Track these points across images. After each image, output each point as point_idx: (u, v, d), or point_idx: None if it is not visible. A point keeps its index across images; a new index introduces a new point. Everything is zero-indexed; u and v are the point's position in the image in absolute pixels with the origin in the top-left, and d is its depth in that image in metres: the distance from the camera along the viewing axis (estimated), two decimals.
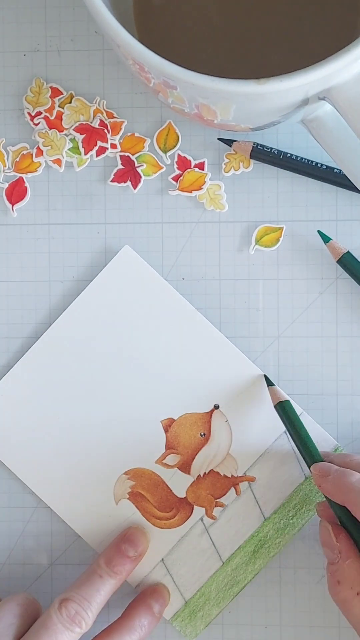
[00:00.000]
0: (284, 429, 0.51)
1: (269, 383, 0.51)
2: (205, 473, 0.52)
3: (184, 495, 0.52)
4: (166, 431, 0.52)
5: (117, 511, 0.52)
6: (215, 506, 0.52)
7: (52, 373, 0.52)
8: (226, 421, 0.52)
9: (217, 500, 0.52)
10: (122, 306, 0.52)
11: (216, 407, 0.52)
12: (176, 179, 0.52)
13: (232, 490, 0.52)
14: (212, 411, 0.52)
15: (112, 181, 0.52)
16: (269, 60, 0.47)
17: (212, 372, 0.52)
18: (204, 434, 0.52)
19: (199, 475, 0.52)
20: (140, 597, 0.51)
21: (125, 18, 0.46)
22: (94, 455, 0.52)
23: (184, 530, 0.52)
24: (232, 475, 0.52)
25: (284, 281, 0.52)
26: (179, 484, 0.52)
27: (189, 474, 0.52)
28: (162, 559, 0.52)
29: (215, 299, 0.52)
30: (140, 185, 0.52)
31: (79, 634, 0.47)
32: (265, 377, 0.51)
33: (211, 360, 0.52)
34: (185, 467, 0.52)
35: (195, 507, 0.52)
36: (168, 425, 0.52)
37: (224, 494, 0.52)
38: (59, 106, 0.52)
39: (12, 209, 0.53)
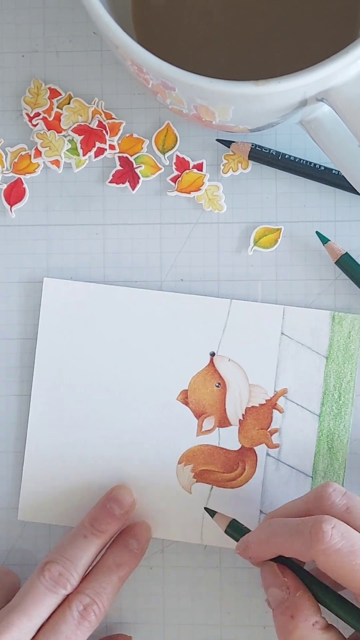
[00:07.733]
0: (280, 329, 0.51)
1: (211, 513, 0.50)
2: (243, 414, 0.52)
3: (240, 446, 0.52)
4: (186, 403, 0.52)
5: (194, 497, 0.51)
6: (271, 435, 0.51)
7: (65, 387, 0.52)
8: (229, 360, 0.52)
9: (269, 430, 0.52)
10: (75, 333, 0.52)
11: (212, 354, 0.52)
12: (175, 180, 0.52)
13: (275, 412, 0.52)
14: (211, 360, 0.52)
15: (110, 182, 0.52)
16: (268, 61, 0.47)
17: (193, 329, 0.52)
18: (219, 384, 0.52)
19: (239, 419, 0.52)
20: (118, 536, 0.50)
21: (123, 19, 0.46)
22: (140, 464, 0.52)
23: (261, 474, 0.51)
24: (266, 401, 0.52)
25: (282, 282, 0.52)
26: (229, 439, 0.51)
27: (230, 425, 0.52)
28: (260, 510, 0.51)
29: None
30: (138, 186, 0.52)
31: (63, 595, 0.47)
32: (206, 508, 0.51)
33: (186, 320, 0.52)
34: (223, 421, 0.52)
35: (255, 448, 0.51)
36: (185, 397, 0.52)
37: (271, 420, 0.51)
38: (57, 107, 0.52)
39: (11, 210, 0.53)
